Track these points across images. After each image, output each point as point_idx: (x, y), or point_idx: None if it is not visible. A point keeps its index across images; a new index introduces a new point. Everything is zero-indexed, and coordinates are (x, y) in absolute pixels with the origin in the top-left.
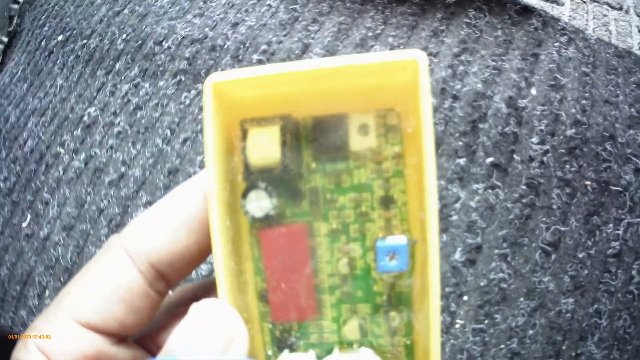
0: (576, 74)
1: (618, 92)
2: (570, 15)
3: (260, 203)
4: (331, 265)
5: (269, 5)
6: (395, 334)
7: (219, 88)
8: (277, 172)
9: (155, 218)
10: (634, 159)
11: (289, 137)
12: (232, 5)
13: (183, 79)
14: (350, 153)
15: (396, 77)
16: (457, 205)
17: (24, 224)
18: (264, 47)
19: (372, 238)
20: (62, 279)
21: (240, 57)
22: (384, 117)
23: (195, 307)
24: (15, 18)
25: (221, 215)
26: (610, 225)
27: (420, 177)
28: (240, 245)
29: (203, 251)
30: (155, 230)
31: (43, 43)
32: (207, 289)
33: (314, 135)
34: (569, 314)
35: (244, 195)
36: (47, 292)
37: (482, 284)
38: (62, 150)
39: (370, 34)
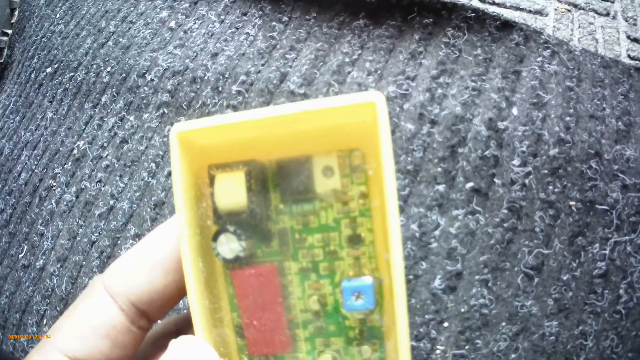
0: (560, 90)
1: (604, 105)
2: (554, 26)
3: (230, 245)
4: (303, 302)
5: (248, 34)
6: None
7: (185, 137)
8: (245, 215)
9: (134, 259)
10: (620, 175)
11: (254, 181)
12: (212, 35)
13: (166, 111)
14: (316, 194)
15: (356, 119)
16: (437, 232)
17: (21, 255)
18: (242, 77)
19: (341, 275)
20: (58, 308)
21: (220, 89)
22: (348, 158)
23: (173, 344)
24: (6, 50)
25: (193, 258)
26: (597, 245)
27: (383, 219)
28: (214, 284)
29: (181, 289)
30: (134, 271)
31: (33, 75)
32: (189, 321)
33: (279, 179)
34: (553, 337)
35: (215, 238)
36: (44, 320)
37: (462, 310)
38: (54, 183)
39: (347, 59)
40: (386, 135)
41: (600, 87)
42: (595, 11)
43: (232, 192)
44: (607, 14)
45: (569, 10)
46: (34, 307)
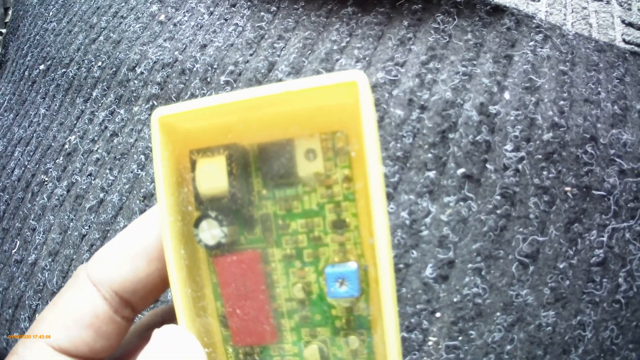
0: (553, 74)
1: (599, 89)
2: (547, 11)
3: (212, 232)
4: (288, 290)
5: (236, 25)
6: (357, 356)
7: (166, 121)
8: (226, 200)
9: (117, 248)
10: (617, 160)
11: (236, 165)
12: (201, 27)
13: (156, 103)
14: (299, 179)
15: (337, 100)
16: (428, 220)
17: (14, 251)
18: (231, 67)
19: (326, 262)
20: (49, 302)
21: (209, 80)
22: (331, 140)
23: (156, 333)
24: (0, 49)
25: (175, 245)
26: (594, 232)
27: (367, 202)
28: (197, 272)
29: (165, 279)
30: (117, 260)
31: (26, 73)
32: (174, 312)
33: (261, 163)
34: (549, 328)
35: (196, 224)
36: (36, 315)
37: (455, 299)
38: (46, 178)
39: (335, 47)
40: (369, 115)
41: (594, 71)
42: None
43: (213, 177)
44: None
45: None
46: (27, 302)
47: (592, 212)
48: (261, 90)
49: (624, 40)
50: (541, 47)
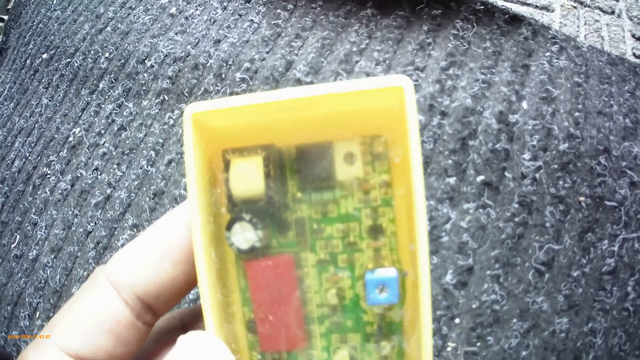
0: (568, 85)
1: (612, 102)
2: (560, 22)
3: (245, 235)
4: (320, 296)
5: (251, 21)
6: None
7: (199, 119)
8: (262, 203)
9: (140, 250)
10: (629, 172)
11: (273, 167)
12: (214, 22)
13: (166, 98)
14: (336, 182)
15: (381, 104)
16: (448, 226)
17: (13, 245)
18: (247, 64)
19: (361, 268)
20: (51, 301)
21: (223, 76)
22: (371, 145)
23: (182, 340)
24: (1, 36)
25: (206, 247)
26: (605, 241)
27: (409, 209)
28: (226, 276)
29: (189, 282)
30: (141, 263)
31: (28, 61)
32: (195, 316)
33: (298, 165)
34: (563, 334)
35: (229, 227)
36: (37, 313)
37: (474, 306)
38: (49, 171)
39: (354, 48)
40: (414, 121)
41: (607, 83)
42: (601, 9)
43: (248, 179)
44: (612, 12)
45: (575, 7)
46: (26, 300)
47: (604, 222)
48: (304, 91)
49: (634, 54)
50: (557, 58)
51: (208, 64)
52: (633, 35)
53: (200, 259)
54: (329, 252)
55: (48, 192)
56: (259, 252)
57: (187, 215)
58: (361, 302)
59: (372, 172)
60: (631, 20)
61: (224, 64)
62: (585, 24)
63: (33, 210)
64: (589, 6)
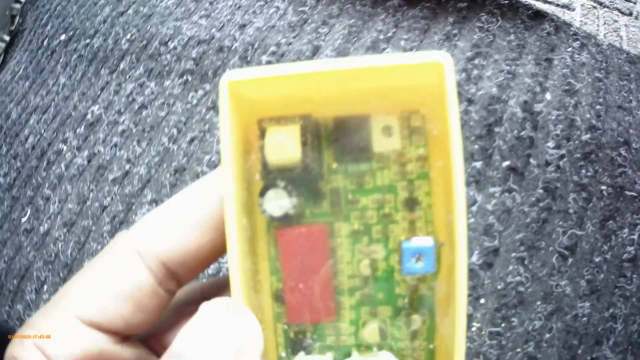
0: (590, 80)
1: (631, 97)
2: (581, 21)
3: (279, 202)
4: (352, 267)
5: (277, 7)
6: (416, 337)
7: (235, 87)
8: (297, 171)
9: (168, 216)
10: None
11: (310, 137)
12: (239, 7)
13: (190, 79)
14: (374, 154)
15: (420, 80)
16: (474, 208)
17: (24, 219)
18: (273, 48)
19: (395, 240)
20: (61, 275)
21: (249, 58)
22: (408, 119)
23: (206, 306)
24: (17, 17)
25: (238, 214)
26: (626, 230)
27: (448, 180)
28: (256, 244)
29: (217, 250)
30: (168, 228)
31: (45, 42)
32: (216, 288)
33: (335, 136)
34: (585, 318)
35: (262, 193)
36: (45, 287)
37: (499, 287)
38: (65, 147)
39: (381, 36)
40: (453, 96)
41: (627, 80)
42: (619, 10)
43: (285, 146)
44: (630, 14)
45: (594, 7)
46: (35, 273)
47: (624, 211)
48: (344, 62)
49: None
50: (578, 54)
51: (233, 47)
52: None
53: (232, 225)
54: (364, 223)
55: (63, 168)
56: (292, 220)
57: (218, 183)
58: (395, 274)
59: (409, 146)
60: None
61: (250, 47)
62: (605, 23)
63: (46, 185)
64: (607, 7)
